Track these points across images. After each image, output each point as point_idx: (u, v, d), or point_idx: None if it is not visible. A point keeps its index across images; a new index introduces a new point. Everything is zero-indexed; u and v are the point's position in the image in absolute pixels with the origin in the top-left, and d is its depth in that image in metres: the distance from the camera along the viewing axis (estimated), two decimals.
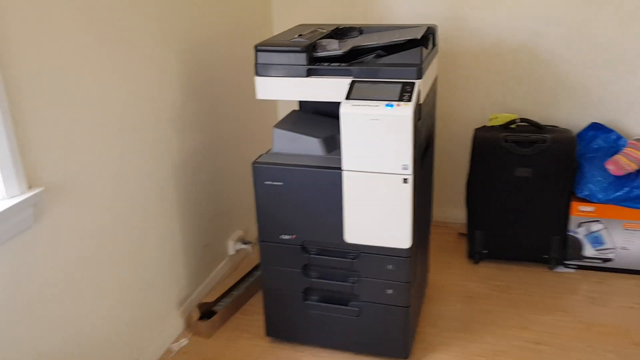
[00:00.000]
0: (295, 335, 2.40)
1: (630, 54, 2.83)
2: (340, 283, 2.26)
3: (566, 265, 2.93)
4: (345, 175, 2.06)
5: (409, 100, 1.93)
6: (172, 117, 2.36)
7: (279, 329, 2.42)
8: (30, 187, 1.65)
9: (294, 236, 2.23)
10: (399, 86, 1.98)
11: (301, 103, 2.49)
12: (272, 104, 3.37)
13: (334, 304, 2.31)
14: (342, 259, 2.22)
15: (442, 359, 2.32)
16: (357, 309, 2.27)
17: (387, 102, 1.94)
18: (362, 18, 3.05)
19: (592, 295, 2.73)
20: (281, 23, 3.23)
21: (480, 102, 3.09)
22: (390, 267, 2.16)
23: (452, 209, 3.32)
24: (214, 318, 2.51)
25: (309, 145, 2.23)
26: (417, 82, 1.98)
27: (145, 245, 2.26)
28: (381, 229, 2.10)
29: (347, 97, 1.99)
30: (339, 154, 2.21)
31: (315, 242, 2.22)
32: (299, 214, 2.18)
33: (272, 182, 2.16)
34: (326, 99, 2.12)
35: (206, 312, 2.56)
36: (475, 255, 2.98)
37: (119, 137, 2.05)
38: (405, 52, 2.06)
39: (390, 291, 2.20)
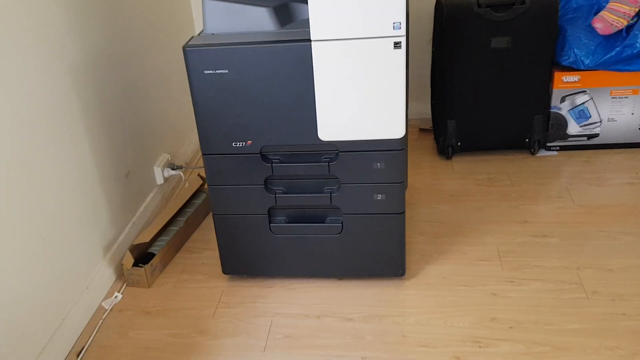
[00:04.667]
0: (261, 268, 1.90)
1: None
2: (314, 195, 1.77)
3: (548, 148, 2.58)
4: (316, 48, 1.53)
5: None
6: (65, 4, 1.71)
7: (240, 264, 1.91)
8: None
9: (250, 142, 1.69)
10: None
11: None
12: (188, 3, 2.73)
13: (307, 222, 1.82)
14: (315, 164, 1.72)
15: (444, 270, 1.92)
16: (337, 224, 1.80)
17: None
18: None
19: (584, 176, 2.40)
20: None
21: None
22: (379, 165, 1.69)
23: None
24: (153, 261, 1.97)
25: (255, 19, 1.66)
26: None
27: (50, 182, 1.65)
28: (366, 117, 1.61)
29: None
30: (297, 26, 1.68)
31: (278, 146, 1.70)
32: (253, 111, 1.64)
33: (214, 70, 1.60)
34: None
35: (142, 255, 2.01)
36: (447, 150, 2.57)
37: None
38: None
39: (380, 196, 1.73)
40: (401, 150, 1.66)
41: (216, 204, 1.81)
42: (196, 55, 1.59)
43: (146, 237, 2.00)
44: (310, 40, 1.53)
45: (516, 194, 2.31)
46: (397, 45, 1.51)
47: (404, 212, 1.76)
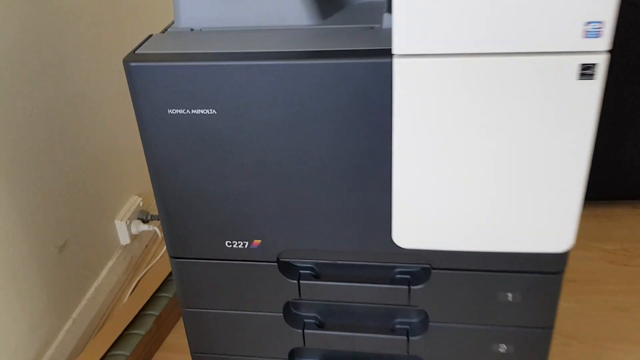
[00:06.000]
0: None
1: None
2: (375, 337, 0.95)
3: None
4: (402, 71, 0.71)
5: None
6: None
7: None
8: None
9: (257, 242, 0.88)
10: None
11: None
12: None
13: None
14: (382, 287, 0.90)
15: None
16: None
17: None
18: None
19: None
20: None
21: None
22: (510, 296, 0.87)
23: None
24: None
25: (274, 4, 0.84)
26: None
27: None
28: (496, 210, 0.78)
29: None
30: (351, 18, 0.86)
31: (309, 251, 0.88)
32: (264, 187, 0.82)
33: (188, 109, 0.78)
34: None
35: None
36: None
37: None
38: None
39: (504, 347, 0.91)
40: (559, 273, 0.84)
41: (197, 340, 1.01)
42: (149, 78, 0.76)
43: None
44: (390, 55, 0.70)
45: None
46: (586, 71, 0.68)
47: None
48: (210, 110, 0.77)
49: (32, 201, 1.20)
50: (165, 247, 1.61)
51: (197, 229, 0.88)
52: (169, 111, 0.78)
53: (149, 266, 1.60)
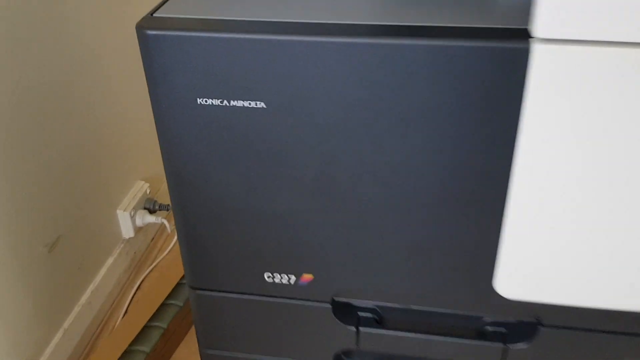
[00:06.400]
0: None
1: None
2: None
3: None
4: (547, 59, 0.48)
5: None
6: None
7: None
8: None
9: (308, 277, 0.66)
10: None
11: None
12: None
13: None
14: (469, 342, 0.68)
15: None
16: None
17: None
18: None
19: None
20: None
21: None
22: None
23: None
24: None
25: None
26: None
27: None
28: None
29: None
30: None
31: (377, 292, 0.66)
32: (325, 208, 0.60)
33: (227, 100, 0.55)
34: None
35: None
36: None
37: None
38: None
39: None
40: None
41: None
42: (171, 52, 0.53)
43: None
44: (527, 38, 0.47)
45: None
46: None
47: None
48: (257, 102, 0.55)
49: (17, 190, 0.98)
50: (174, 241, 1.41)
51: (227, 256, 0.66)
52: (199, 101, 0.56)
53: (154, 263, 1.39)
